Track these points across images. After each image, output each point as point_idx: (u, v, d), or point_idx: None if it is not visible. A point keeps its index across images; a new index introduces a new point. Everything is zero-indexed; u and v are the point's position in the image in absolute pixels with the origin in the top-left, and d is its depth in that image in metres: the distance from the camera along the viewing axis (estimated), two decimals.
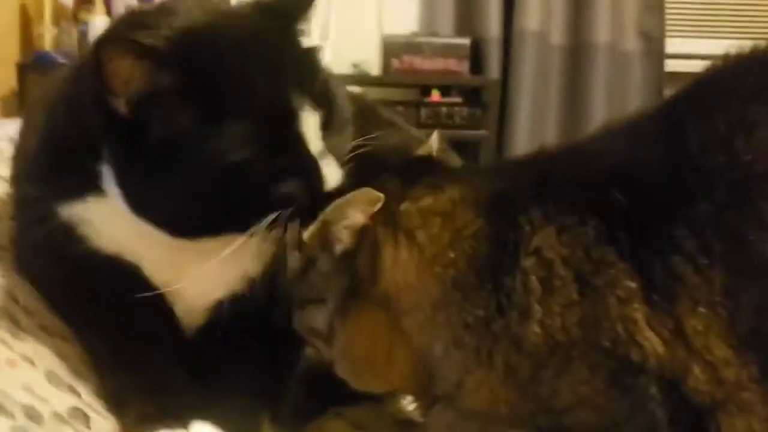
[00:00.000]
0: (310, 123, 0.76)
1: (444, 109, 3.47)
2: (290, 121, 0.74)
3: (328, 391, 0.93)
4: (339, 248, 0.78)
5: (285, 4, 0.81)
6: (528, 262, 0.72)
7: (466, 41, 3.58)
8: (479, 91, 3.65)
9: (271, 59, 0.75)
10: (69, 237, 0.81)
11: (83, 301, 0.86)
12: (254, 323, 0.87)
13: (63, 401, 0.74)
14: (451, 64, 3.56)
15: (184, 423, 0.72)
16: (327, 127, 0.78)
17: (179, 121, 0.72)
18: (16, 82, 3.15)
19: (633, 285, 0.69)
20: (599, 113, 3.68)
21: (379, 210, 0.77)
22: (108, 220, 0.79)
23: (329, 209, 0.77)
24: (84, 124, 0.76)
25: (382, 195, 0.76)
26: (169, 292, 0.84)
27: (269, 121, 0.73)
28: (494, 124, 3.52)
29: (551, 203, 0.74)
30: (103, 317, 0.86)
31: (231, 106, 0.71)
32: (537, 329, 0.71)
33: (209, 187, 0.73)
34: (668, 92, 3.41)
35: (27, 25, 3.31)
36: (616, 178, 0.73)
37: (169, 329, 0.87)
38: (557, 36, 3.66)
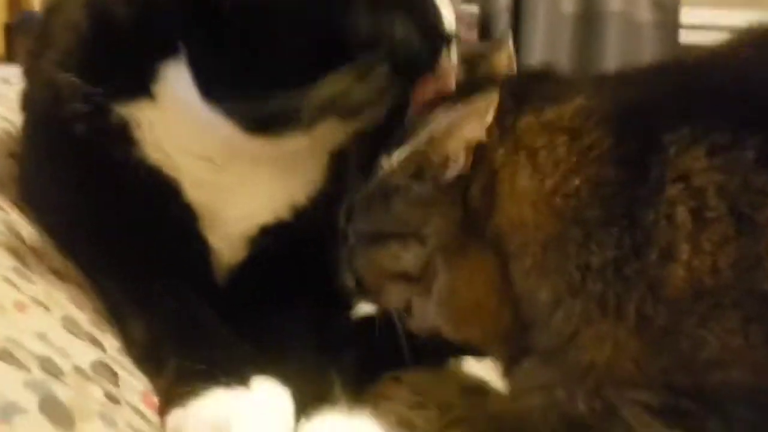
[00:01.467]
0: None
1: None
2: None
3: (383, 351, 0.81)
4: (452, 171, 0.64)
5: None
6: (673, 191, 0.58)
7: (474, 8, 3.44)
8: None
9: None
10: (121, 137, 0.71)
11: (107, 225, 0.73)
12: (300, 258, 0.77)
13: (84, 354, 0.60)
14: (460, 32, 3.41)
15: (242, 379, 0.58)
16: None
17: None
18: (3, 45, 2.97)
19: None
20: None
21: (495, 127, 0.63)
22: (156, 127, 0.71)
23: (436, 126, 0.64)
24: (150, 19, 0.68)
25: (496, 98, 0.62)
26: (206, 218, 0.74)
27: None
28: None
29: (700, 118, 0.60)
30: (127, 248, 0.73)
31: None
32: (681, 271, 0.57)
33: (298, 31, 0.63)
34: None
35: None
36: None
37: (202, 265, 0.77)
38: (569, 3, 3.54)
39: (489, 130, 0.64)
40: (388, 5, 0.64)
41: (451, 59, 0.70)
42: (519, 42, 3.53)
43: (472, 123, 0.63)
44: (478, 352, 0.84)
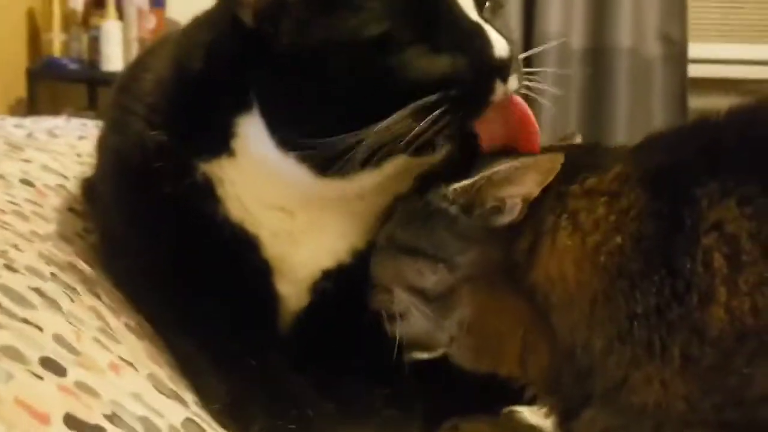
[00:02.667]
0: None
1: None
2: None
3: (442, 399, 0.83)
4: (504, 218, 0.68)
5: None
6: (708, 239, 0.63)
7: None
8: None
9: None
10: (207, 194, 0.73)
11: (186, 282, 0.75)
12: (358, 301, 0.78)
13: (175, 412, 0.62)
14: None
15: None
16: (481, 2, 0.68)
17: (308, 18, 0.65)
18: (25, 89, 3.03)
19: None
20: (621, 118, 3.62)
21: (552, 190, 0.68)
22: (237, 183, 0.73)
23: (499, 169, 0.67)
24: (221, 70, 0.70)
25: (561, 158, 0.66)
26: (279, 268, 0.77)
27: None
28: None
29: (728, 172, 0.64)
30: (204, 303, 0.75)
31: None
32: (722, 313, 0.61)
33: (352, 77, 0.64)
34: (691, 98, 3.32)
35: (35, 30, 3.20)
36: None
37: (271, 314, 0.79)
38: (578, 39, 3.59)
39: (546, 192, 0.67)
40: (441, 45, 0.65)
41: (509, 86, 0.67)
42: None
43: (532, 176, 0.66)
44: (527, 401, 0.87)
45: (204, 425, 0.64)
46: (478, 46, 0.64)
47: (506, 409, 0.91)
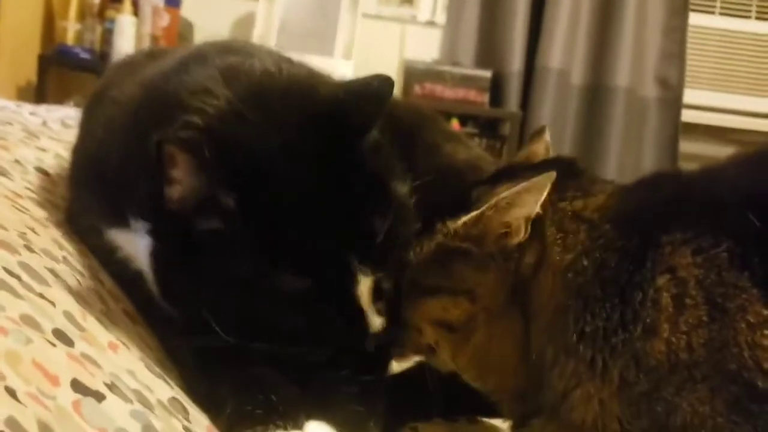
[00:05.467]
0: (366, 285, 0.74)
1: None
2: (347, 285, 0.73)
3: (407, 404, 0.91)
4: (512, 240, 0.76)
5: (349, 113, 0.75)
6: (662, 280, 0.71)
7: (487, 73, 3.59)
8: (496, 124, 3.66)
9: (332, 212, 0.71)
10: (112, 255, 0.84)
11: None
12: None
13: (162, 390, 0.70)
14: (472, 94, 3.57)
15: (296, 423, 0.68)
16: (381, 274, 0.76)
17: (227, 248, 0.70)
18: (36, 74, 3.10)
19: (765, 312, 0.68)
20: (613, 157, 3.70)
21: (548, 205, 0.75)
22: (140, 251, 0.78)
23: (503, 196, 0.75)
24: (132, 175, 0.75)
25: (554, 176, 0.74)
26: None
27: (325, 283, 0.71)
28: (511, 157, 3.51)
29: (690, 224, 0.73)
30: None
31: (286, 261, 0.70)
32: (661, 346, 0.69)
33: (250, 313, 0.72)
34: (683, 142, 3.41)
35: (50, 17, 3.28)
36: (754, 203, 0.72)
37: None
38: (578, 76, 3.69)
39: (545, 207, 0.75)
40: (342, 324, 0.74)
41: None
42: (527, 108, 3.67)
43: (532, 197, 0.74)
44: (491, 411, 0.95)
45: (186, 405, 0.72)
46: (359, 333, 0.75)
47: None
